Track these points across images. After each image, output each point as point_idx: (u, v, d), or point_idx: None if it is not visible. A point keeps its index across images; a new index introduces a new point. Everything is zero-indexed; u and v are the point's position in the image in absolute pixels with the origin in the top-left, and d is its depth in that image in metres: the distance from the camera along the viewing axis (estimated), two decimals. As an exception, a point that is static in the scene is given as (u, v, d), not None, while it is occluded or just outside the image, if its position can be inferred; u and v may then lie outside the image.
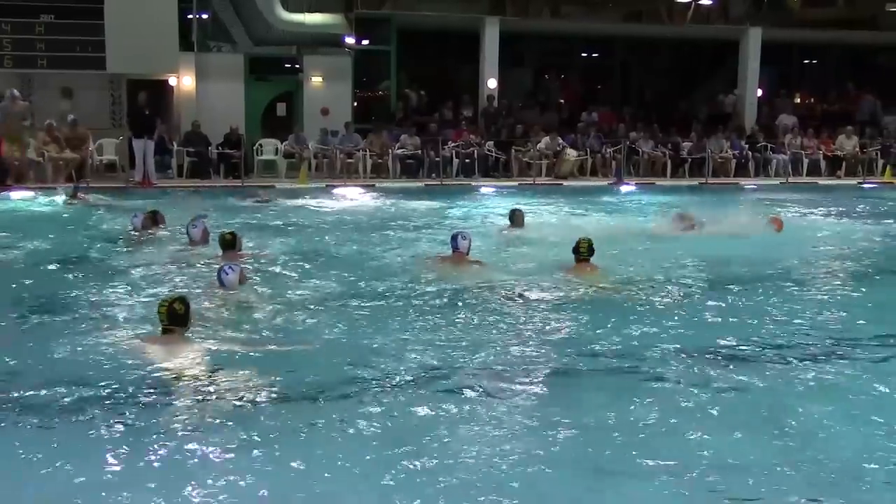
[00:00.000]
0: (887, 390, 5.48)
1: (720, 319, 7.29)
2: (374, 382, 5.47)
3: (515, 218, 11.43)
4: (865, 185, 20.35)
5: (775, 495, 4.02)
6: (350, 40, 21.54)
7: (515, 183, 19.49)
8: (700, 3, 23.23)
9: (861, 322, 7.25)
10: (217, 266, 7.80)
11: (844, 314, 7.52)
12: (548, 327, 6.89)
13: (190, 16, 20.18)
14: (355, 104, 21.98)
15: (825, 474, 4.27)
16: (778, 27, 24.29)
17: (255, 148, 19.75)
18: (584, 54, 27.01)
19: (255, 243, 10.24)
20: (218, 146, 19.02)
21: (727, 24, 24.35)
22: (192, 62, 19.98)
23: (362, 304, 7.60)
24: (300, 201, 15.61)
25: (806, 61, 28.36)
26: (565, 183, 19.67)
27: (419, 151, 20.07)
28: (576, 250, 8.38)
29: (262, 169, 19.65)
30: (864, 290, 8.61)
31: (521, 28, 23.26)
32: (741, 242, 10.49)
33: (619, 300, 7.83)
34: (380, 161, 19.86)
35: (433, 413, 4.98)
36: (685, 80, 26.76)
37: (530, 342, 6.43)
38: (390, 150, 19.93)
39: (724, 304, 7.81)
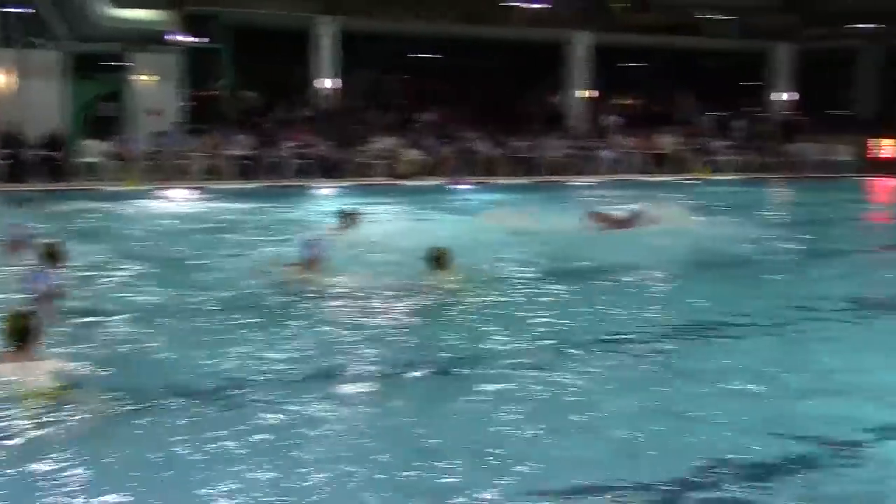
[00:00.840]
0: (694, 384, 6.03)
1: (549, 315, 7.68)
2: (217, 391, 5.46)
3: (346, 218, 11.37)
4: (685, 181, 21.71)
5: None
6: (176, 37, 20.97)
7: (354, 183, 19.63)
8: (531, 6, 24.15)
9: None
10: (35, 274, 7.47)
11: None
12: (395, 332, 6.95)
13: (6, 10, 19.17)
14: (190, 104, 21.46)
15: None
16: (605, 31, 25.55)
17: (77, 149, 18.95)
18: (423, 55, 27.49)
19: (80, 249, 9.85)
20: (37, 147, 18.14)
21: (557, 28, 25.40)
22: (9, 59, 19.00)
23: (199, 312, 7.50)
24: (128, 204, 15.13)
25: (633, 64, 29.92)
26: (403, 183, 19.98)
27: (255, 152, 19.87)
28: (429, 258, 8.42)
29: (85, 171, 18.88)
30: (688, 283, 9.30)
31: (360, 28, 23.40)
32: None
33: (469, 301, 8.03)
34: (213, 162, 19.52)
35: (278, 418, 5.03)
36: (520, 81, 27.68)
37: (375, 347, 6.50)
38: (224, 151, 19.63)
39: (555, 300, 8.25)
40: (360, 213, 11.71)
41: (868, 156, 24.85)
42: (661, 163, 23.63)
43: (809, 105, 28.72)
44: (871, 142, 24.89)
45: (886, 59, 29.63)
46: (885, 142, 24.72)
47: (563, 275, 9.21)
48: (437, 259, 8.31)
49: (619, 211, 12.73)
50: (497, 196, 17.73)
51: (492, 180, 20.82)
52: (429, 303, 7.86)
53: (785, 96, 29.03)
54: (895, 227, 15.42)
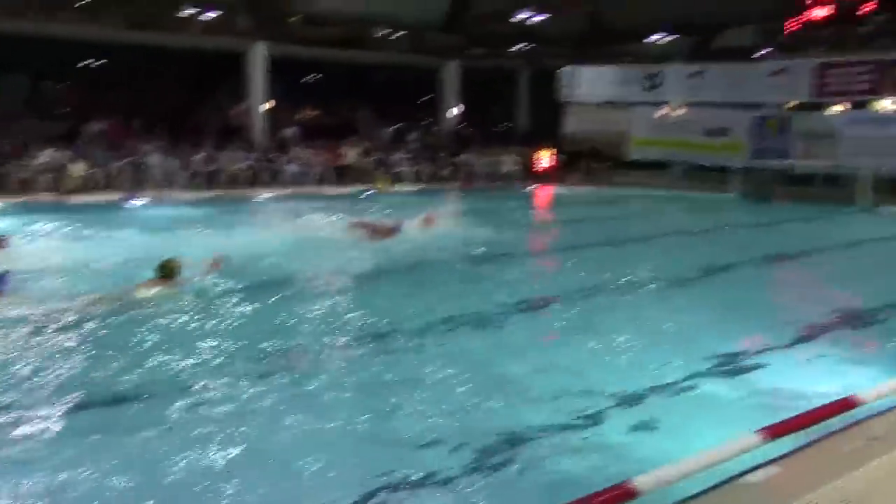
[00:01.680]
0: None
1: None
2: None
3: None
4: (366, 193, 22.20)
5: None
6: None
7: (12, 201, 17.70)
8: (204, 15, 23.45)
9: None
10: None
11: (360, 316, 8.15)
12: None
13: None
14: None
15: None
16: (282, 43, 25.47)
17: None
18: (88, 61, 25.58)
19: None
20: None
21: (233, 38, 24.90)
22: None
23: None
24: None
25: (312, 76, 30.15)
26: (71, 200, 18.42)
27: None
28: (157, 269, 8.50)
29: None
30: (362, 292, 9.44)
31: (10, 29, 21.20)
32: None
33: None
34: None
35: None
36: (195, 92, 26.76)
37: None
38: None
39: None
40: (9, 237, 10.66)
41: (533, 167, 27.15)
42: (343, 175, 24.00)
43: (477, 119, 30.77)
44: (536, 154, 27.24)
45: (540, 78, 32.57)
46: (543, 153, 27.20)
47: (276, 285, 9.00)
48: (164, 269, 8.45)
49: (382, 220, 13.24)
50: (178, 211, 16.95)
51: (169, 195, 19.86)
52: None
53: (455, 111, 30.84)
54: (560, 230, 16.86)
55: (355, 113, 28.15)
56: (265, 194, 21.09)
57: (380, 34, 29.07)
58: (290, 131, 25.16)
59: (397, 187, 23.41)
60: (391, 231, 12.93)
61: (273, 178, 22.80)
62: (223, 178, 21.70)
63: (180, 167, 21.17)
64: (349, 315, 7.98)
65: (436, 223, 13.62)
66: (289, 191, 21.64)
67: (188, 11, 23.77)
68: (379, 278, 10.17)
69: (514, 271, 11.07)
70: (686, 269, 10.94)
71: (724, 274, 10.93)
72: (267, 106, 25.59)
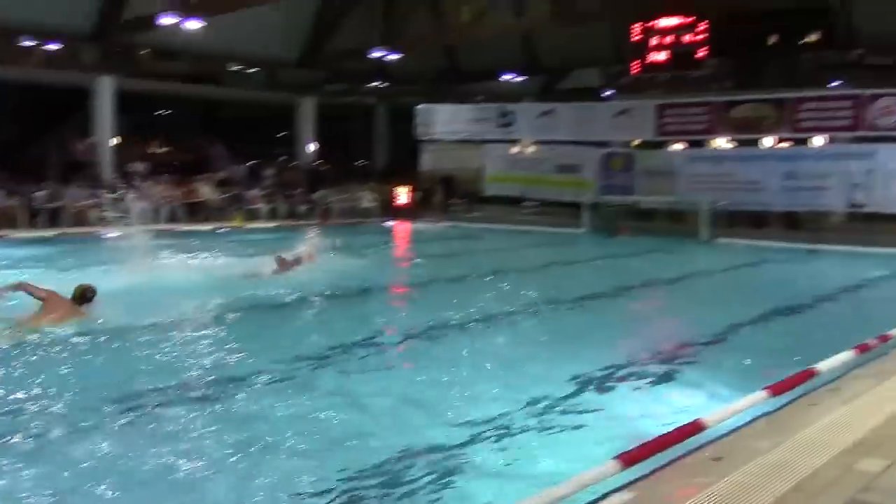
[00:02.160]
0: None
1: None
2: None
3: None
4: (220, 230, 21.72)
5: None
6: None
7: None
8: (48, 48, 22.48)
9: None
10: None
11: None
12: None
13: None
14: None
15: None
16: (131, 76, 24.71)
17: None
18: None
19: None
20: None
21: (78, 72, 23.95)
22: None
23: None
24: None
25: (162, 111, 29.36)
26: None
27: None
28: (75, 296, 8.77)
29: None
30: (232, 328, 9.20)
31: None
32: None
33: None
34: None
35: None
36: (37, 126, 25.54)
37: None
38: None
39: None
40: None
41: (391, 203, 27.32)
42: (197, 212, 23.40)
43: (334, 155, 30.76)
44: (394, 190, 27.43)
45: (398, 114, 32.93)
46: (401, 189, 27.44)
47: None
48: (82, 295, 8.75)
49: (292, 252, 13.42)
50: (19, 251, 16.04)
51: (10, 233, 18.80)
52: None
53: (312, 146, 30.71)
54: (415, 265, 16.98)
55: (209, 148, 27.56)
56: (113, 232, 20.22)
57: (234, 69, 28.68)
58: (139, 167, 24.34)
59: (253, 224, 23.04)
60: (295, 263, 13.13)
61: (122, 216, 21.91)
62: (68, 215, 20.72)
63: (20, 204, 20.08)
64: (205, 356, 7.78)
65: (302, 263, 13.49)
66: (138, 228, 20.83)
67: (28, 43, 22.69)
68: (248, 315, 9.96)
69: (365, 307, 11.03)
70: (534, 301, 11.21)
71: (570, 305, 11.28)
72: (115, 141, 24.70)
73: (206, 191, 23.93)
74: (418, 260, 17.91)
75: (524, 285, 12.95)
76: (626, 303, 12.19)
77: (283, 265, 13.00)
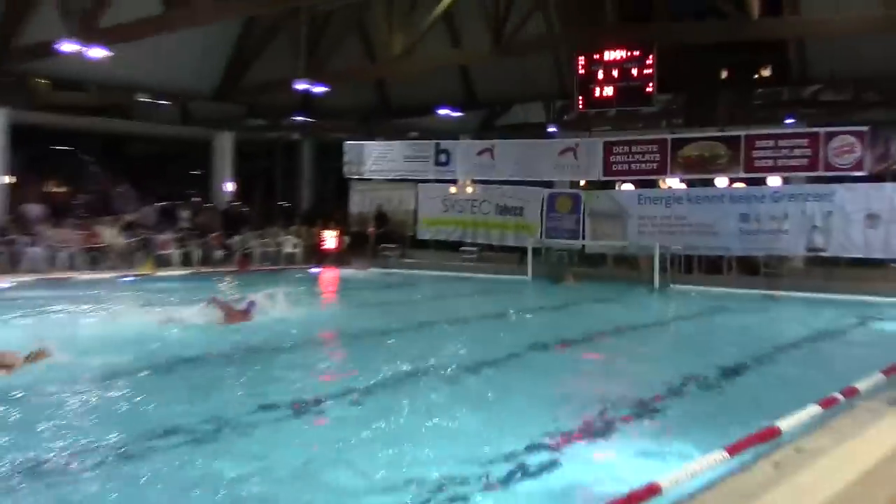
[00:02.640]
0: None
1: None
2: None
3: None
4: (127, 279, 21.22)
5: None
6: None
7: None
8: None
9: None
10: None
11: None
12: None
13: None
14: None
15: None
16: (25, 109, 24.21)
17: None
18: None
19: None
20: None
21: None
22: None
23: None
24: None
25: (60, 147, 28.78)
26: None
27: None
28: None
29: None
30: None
31: None
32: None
33: None
34: None
35: None
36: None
37: None
38: None
39: None
40: None
41: (317, 247, 27.09)
42: (100, 258, 22.86)
43: (255, 196, 30.50)
44: (320, 233, 27.23)
45: (324, 152, 32.87)
46: (328, 233, 27.27)
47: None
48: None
49: (237, 301, 13.61)
50: None
51: None
52: None
53: (230, 186, 30.40)
54: (340, 318, 16.79)
55: (114, 188, 27.04)
56: (4, 282, 19.63)
57: (143, 101, 28.34)
58: (35, 208, 23.73)
59: (163, 272, 22.59)
60: (244, 314, 13.29)
61: (13, 263, 21.32)
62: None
63: None
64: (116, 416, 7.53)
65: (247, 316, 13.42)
66: (33, 277, 20.29)
67: None
68: (168, 371, 9.71)
69: (279, 365, 10.78)
70: (470, 355, 11.11)
71: (511, 359, 11.19)
72: (7, 179, 24.08)
73: (110, 235, 23.39)
74: (345, 310, 17.72)
75: (461, 337, 12.85)
76: (573, 356, 12.16)
77: (231, 315, 13.01)
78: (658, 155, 23.33)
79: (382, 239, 27.34)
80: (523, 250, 23.90)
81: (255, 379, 9.66)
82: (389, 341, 12.62)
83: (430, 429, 7.49)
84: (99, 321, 13.47)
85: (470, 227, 26.13)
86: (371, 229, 27.67)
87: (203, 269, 23.69)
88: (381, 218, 27.86)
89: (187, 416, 7.60)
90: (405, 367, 10.08)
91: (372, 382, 9.27)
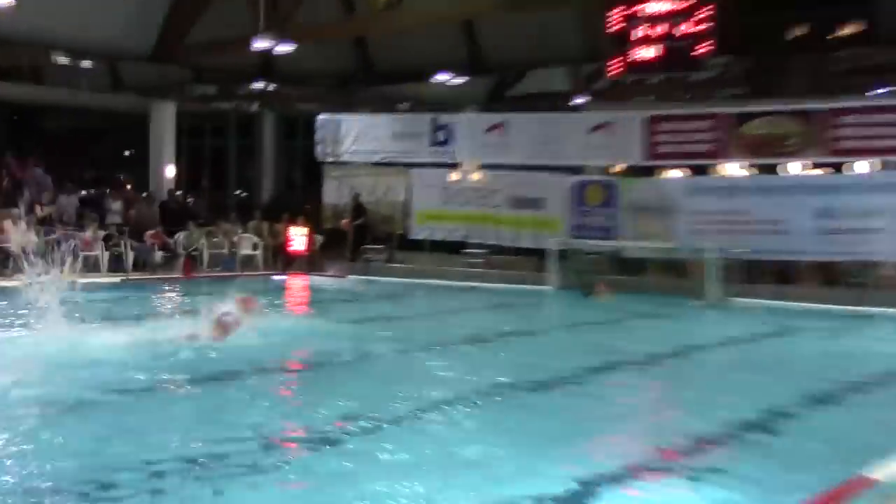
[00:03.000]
0: None
1: None
2: None
3: None
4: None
5: None
6: None
7: None
8: None
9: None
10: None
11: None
12: None
13: None
14: None
15: None
16: None
17: None
18: None
19: None
20: None
21: None
22: None
23: None
24: None
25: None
26: None
27: None
28: None
29: None
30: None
31: None
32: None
33: None
34: None
35: None
36: None
37: None
38: None
39: None
40: None
41: (282, 249, 26.92)
42: (3, 261, 22.85)
43: (203, 183, 30.45)
44: (286, 231, 27.07)
45: (287, 127, 32.77)
46: (297, 231, 27.03)
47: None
48: None
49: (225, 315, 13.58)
50: None
51: None
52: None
53: (171, 170, 30.33)
54: (313, 339, 16.74)
55: (23, 171, 27.01)
56: None
57: (60, 62, 28.30)
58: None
59: (86, 279, 22.53)
60: (233, 326, 13.45)
61: None
62: None
63: None
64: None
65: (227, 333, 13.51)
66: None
67: None
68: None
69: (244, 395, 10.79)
70: (482, 386, 11.11)
71: (533, 391, 11.18)
72: None
73: (14, 232, 23.35)
74: (316, 330, 17.64)
75: (469, 364, 12.81)
76: (610, 388, 12.14)
77: (222, 328, 13.22)
78: (714, 133, 23.34)
79: (363, 237, 27.24)
80: (543, 253, 23.85)
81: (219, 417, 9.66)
82: (374, 371, 12.59)
83: (444, 463, 7.50)
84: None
85: (475, 224, 26.09)
86: (345, 221, 27.45)
87: (137, 276, 23.66)
88: (358, 209, 27.58)
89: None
90: (397, 406, 10.07)
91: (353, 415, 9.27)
